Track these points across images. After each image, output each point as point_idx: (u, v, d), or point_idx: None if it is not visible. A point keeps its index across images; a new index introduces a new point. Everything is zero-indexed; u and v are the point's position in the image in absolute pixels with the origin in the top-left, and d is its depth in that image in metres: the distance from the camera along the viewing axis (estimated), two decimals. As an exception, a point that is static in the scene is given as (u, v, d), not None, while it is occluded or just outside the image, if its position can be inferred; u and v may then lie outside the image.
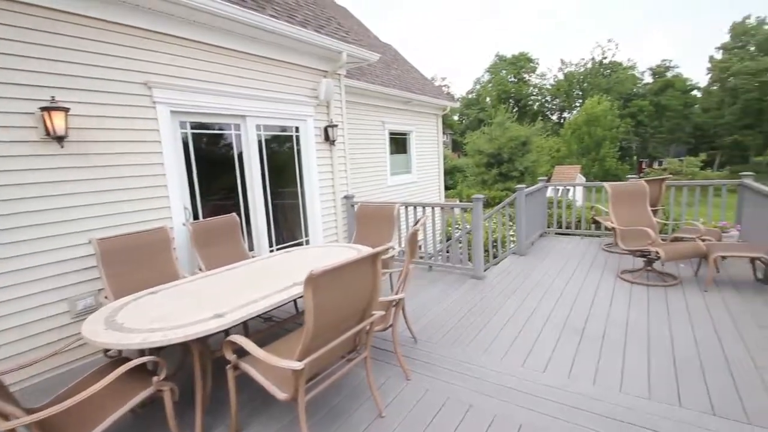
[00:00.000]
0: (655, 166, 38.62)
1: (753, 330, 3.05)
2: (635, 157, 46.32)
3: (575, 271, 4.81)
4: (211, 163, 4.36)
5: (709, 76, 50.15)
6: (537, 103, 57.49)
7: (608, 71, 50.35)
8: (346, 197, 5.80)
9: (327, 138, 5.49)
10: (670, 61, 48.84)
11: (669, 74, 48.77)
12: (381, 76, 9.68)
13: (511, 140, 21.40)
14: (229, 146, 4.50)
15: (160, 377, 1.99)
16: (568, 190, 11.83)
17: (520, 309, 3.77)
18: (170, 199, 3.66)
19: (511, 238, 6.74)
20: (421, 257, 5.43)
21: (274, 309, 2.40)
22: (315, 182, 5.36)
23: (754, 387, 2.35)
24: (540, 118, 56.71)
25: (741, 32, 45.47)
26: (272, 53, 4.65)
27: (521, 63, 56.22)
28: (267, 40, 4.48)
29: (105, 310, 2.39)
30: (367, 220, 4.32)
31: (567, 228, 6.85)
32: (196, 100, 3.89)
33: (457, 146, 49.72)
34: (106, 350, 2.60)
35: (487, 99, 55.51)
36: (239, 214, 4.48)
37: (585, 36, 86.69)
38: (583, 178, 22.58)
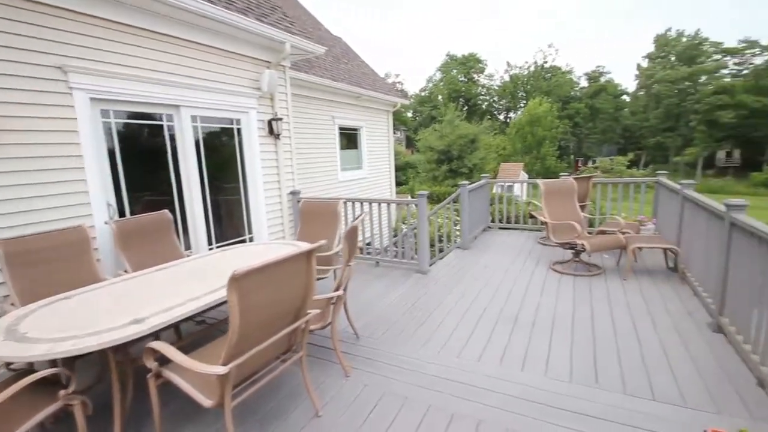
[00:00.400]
0: (589, 164, 41.70)
1: (662, 314, 3.40)
2: (572, 156, 49.69)
3: (512, 263, 5.08)
4: (141, 157, 4.05)
5: (637, 82, 55.05)
6: (486, 103, 59.90)
7: (549, 75, 53.54)
8: (292, 193, 5.67)
9: (271, 131, 5.31)
10: (603, 67, 53.02)
11: (602, 79, 52.86)
12: (331, 70, 9.54)
13: (460, 138, 22.08)
14: (162, 138, 4.20)
15: (69, 390, 1.82)
16: (511, 186, 12.46)
17: (460, 302, 3.91)
18: (90, 195, 3.35)
19: (457, 233, 6.97)
20: (369, 253, 5.45)
21: (210, 310, 2.28)
22: (259, 177, 5.17)
23: (660, 366, 2.62)
24: (488, 117, 59.15)
25: (663, 43, 50.28)
26: (210, 40, 4.40)
27: (470, 63, 58.19)
28: (203, 26, 4.22)
29: (7, 318, 2.14)
30: (311, 216, 4.25)
31: (508, 222, 7.21)
32: (121, 88, 3.58)
33: (410, 143, 50.43)
34: (9, 363, 2.34)
35: (439, 97, 56.80)
36: (174, 211, 4.21)
37: (529, 39, 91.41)
38: (526, 175, 23.86)
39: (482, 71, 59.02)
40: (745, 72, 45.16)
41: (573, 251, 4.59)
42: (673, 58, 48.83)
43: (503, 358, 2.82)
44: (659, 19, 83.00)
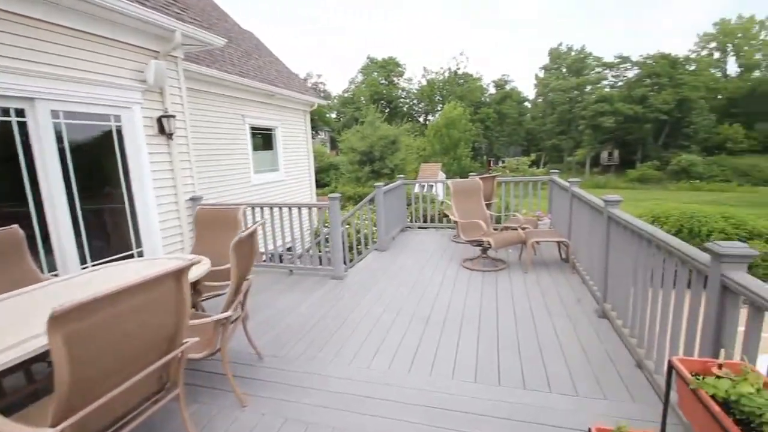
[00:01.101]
0: (499, 164, 45.39)
1: (557, 304, 3.66)
2: (485, 157, 53.64)
3: (428, 262, 5.15)
4: (-22, 160, 3.26)
5: (536, 90, 61.49)
6: (406, 106, 61.94)
7: (462, 81, 57.18)
8: (192, 199, 5.09)
9: (162, 130, 4.69)
10: (508, 75, 58.16)
11: (507, 87, 57.99)
12: (239, 65, 8.90)
13: (381, 139, 22.36)
14: (11, 137, 3.43)
15: None
16: (431, 186, 12.91)
17: (374, 306, 3.82)
18: None
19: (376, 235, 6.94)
20: (282, 261, 5.12)
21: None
22: (148, 181, 4.53)
23: (555, 356, 2.77)
24: (409, 119, 61.25)
25: (556, 56, 56.78)
26: (79, 24, 3.72)
27: (390, 67, 59.72)
28: (68, 5, 3.55)
29: None
30: (209, 226, 3.81)
31: (425, 222, 7.37)
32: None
33: (335, 144, 50.05)
34: None
35: (362, 99, 57.31)
36: (31, 225, 3.48)
37: (444, 45, 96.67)
38: (444, 175, 25.01)
39: (401, 75, 60.91)
40: (620, 83, 52.95)
41: (481, 248, 4.79)
42: (564, 70, 55.45)
43: (413, 363, 2.76)
44: (554, 33, 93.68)
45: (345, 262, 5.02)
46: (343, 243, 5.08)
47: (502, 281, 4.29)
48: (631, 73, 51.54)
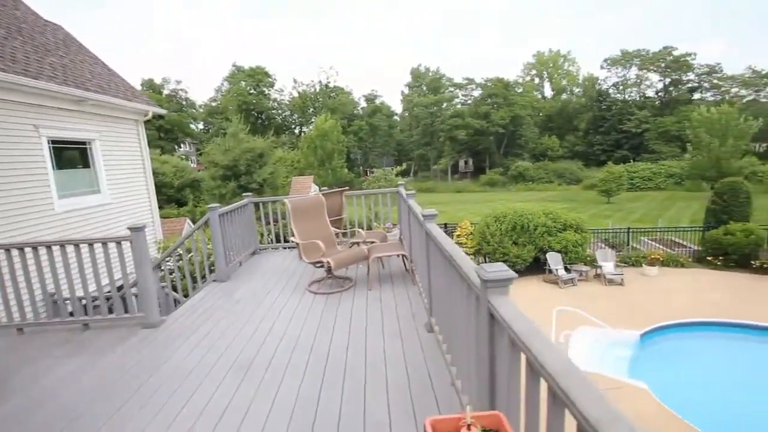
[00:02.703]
0: (370, 175, 47.65)
1: (393, 321, 3.58)
2: (361, 167, 55.48)
3: (271, 290, 4.65)
4: None
5: (402, 105, 66.56)
6: (280, 117, 60.05)
7: (334, 94, 58.22)
8: None
9: None
10: (377, 90, 61.57)
11: (377, 101, 61.29)
12: (29, 64, 7.01)
13: (246, 152, 20.89)
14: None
15: None
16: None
17: (189, 357, 3.16)
18: None
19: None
20: (72, 314, 3.99)
21: None
22: None
23: (379, 387, 2.59)
24: (285, 131, 59.53)
25: (417, 75, 62.40)
26: None
27: (259, 76, 57.10)
28: None
29: None
30: None
31: (278, 242, 6.84)
32: None
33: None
34: None
35: (230, 108, 53.45)
36: None
37: (314, 57, 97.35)
38: (317, 188, 24.72)
39: (272, 85, 58.84)
40: (469, 102, 60.95)
41: (325, 269, 4.53)
42: (425, 88, 61.29)
43: (216, 428, 2.25)
44: (416, 53, 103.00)
45: (171, 304, 4.17)
46: (174, 277, 4.23)
47: (345, 303, 4.07)
48: (476, 93, 59.90)
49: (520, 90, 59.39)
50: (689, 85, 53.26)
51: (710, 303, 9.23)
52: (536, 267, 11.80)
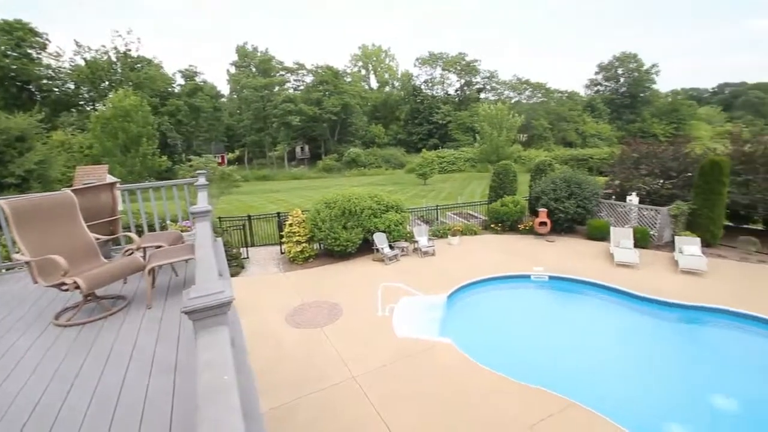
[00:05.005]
0: (186, 163, 42.34)
1: (171, 344, 2.93)
2: (183, 155, 48.30)
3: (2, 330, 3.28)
4: None
5: (229, 86, 60.61)
6: (59, 90, 46.15)
7: (140, 65, 48.27)
8: None
9: None
10: (196, 67, 53.96)
11: (198, 79, 53.85)
12: None
13: (-8, 135, 15.30)
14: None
15: None
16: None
17: None
18: None
19: None
20: None
21: None
22: None
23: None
24: (70, 109, 46.23)
25: (244, 54, 57.50)
26: None
27: (19, 33, 42.17)
28: None
29: None
30: None
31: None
32: None
33: None
34: None
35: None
36: None
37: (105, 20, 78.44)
38: (112, 178, 20.16)
39: (43, 47, 44.36)
40: (301, 87, 59.99)
41: (80, 292, 3.44)
42: (254, 69, 57.11)
43: None
44: (241, 31, 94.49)
45: None
46: None
47: (106, 334, 3.14)
48: (308, 79, 59.44)
49: (349, 80, 61.95)
50: (477, 86, 65.93)
51: (494, 262, 11.49)
52: (366, 247, 12.47)
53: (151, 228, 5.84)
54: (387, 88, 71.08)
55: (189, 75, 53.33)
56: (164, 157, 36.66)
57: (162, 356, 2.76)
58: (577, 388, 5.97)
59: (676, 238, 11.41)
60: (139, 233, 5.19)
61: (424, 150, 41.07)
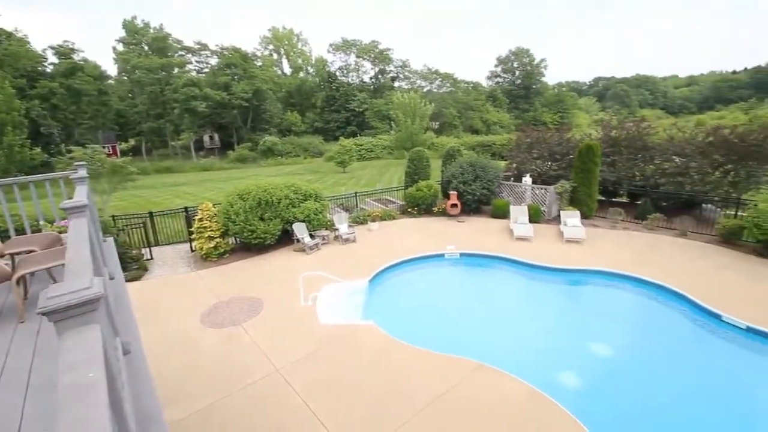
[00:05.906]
0: (66, 155, 36.86)
1: (50, 362, 2.61)
2: (63, 145, 41.39)
3: None
4: None
5: (117, 66, 52.88)
6: None
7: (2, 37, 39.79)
8: None
9: None
10: (74, 43, 45.95)
11: (76, 57, 46.06)
12: None
13: None
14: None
15: None
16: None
17: None
18: None
19: None
20: None
21: None
22: None
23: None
24: None
25: (134, 30, 50.53)
26: None
27: None
28: None
29: None
30: None
31: None
32: None
33: None
34: None
35: None
36: None
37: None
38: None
39: None
40: (206, 70, 54.97)
41: None
42: (146, 48, 50.62)
43: None
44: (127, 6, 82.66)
45: None
46: None
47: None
48: (213, 61, 54.65)
49: (260, 64, 58.45)
50: (391, 75, 67.23)
51: (412, 244, 12.07)
52: (287, 238, 12.15)
53: (21, 231, 5.01)
54: (301, 74, 68.72)
55: (64, 52, 45.36)
56: (37, 149, 31.12)
57: (39, 371, 2.45)
58: (489, 351, 6.69)
59: (562, 212, 13.17)
60: (4, 238, 4.41)
61: (342, 138, 40.90)
